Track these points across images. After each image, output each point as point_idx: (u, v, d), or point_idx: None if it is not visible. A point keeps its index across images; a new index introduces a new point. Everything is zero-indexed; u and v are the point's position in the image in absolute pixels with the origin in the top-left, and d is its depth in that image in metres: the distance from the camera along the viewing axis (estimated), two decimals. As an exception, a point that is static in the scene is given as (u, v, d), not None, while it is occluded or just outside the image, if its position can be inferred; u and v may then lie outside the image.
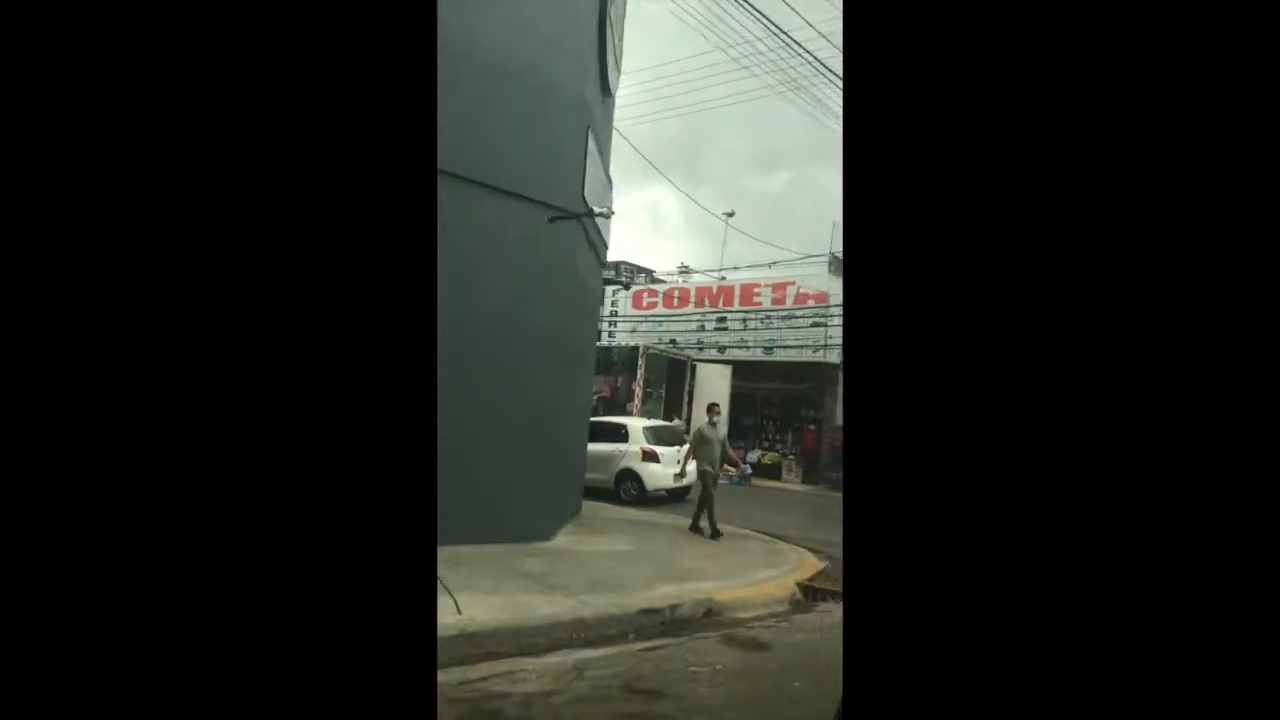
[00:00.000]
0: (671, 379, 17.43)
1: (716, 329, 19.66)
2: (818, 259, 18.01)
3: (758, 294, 19.14)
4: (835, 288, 18.18)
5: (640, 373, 16.72)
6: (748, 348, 19.08)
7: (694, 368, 18.07)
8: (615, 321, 21.52)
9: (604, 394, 17.37)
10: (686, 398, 17.87)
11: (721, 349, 19.45)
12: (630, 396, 16.70)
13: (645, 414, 16.49)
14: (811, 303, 18.11)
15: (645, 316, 20.95)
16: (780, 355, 18.60)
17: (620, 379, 17.21)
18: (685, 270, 23.46)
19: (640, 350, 16.98)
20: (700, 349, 19.73)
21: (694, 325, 19.95)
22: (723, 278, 20.31)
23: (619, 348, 18.08)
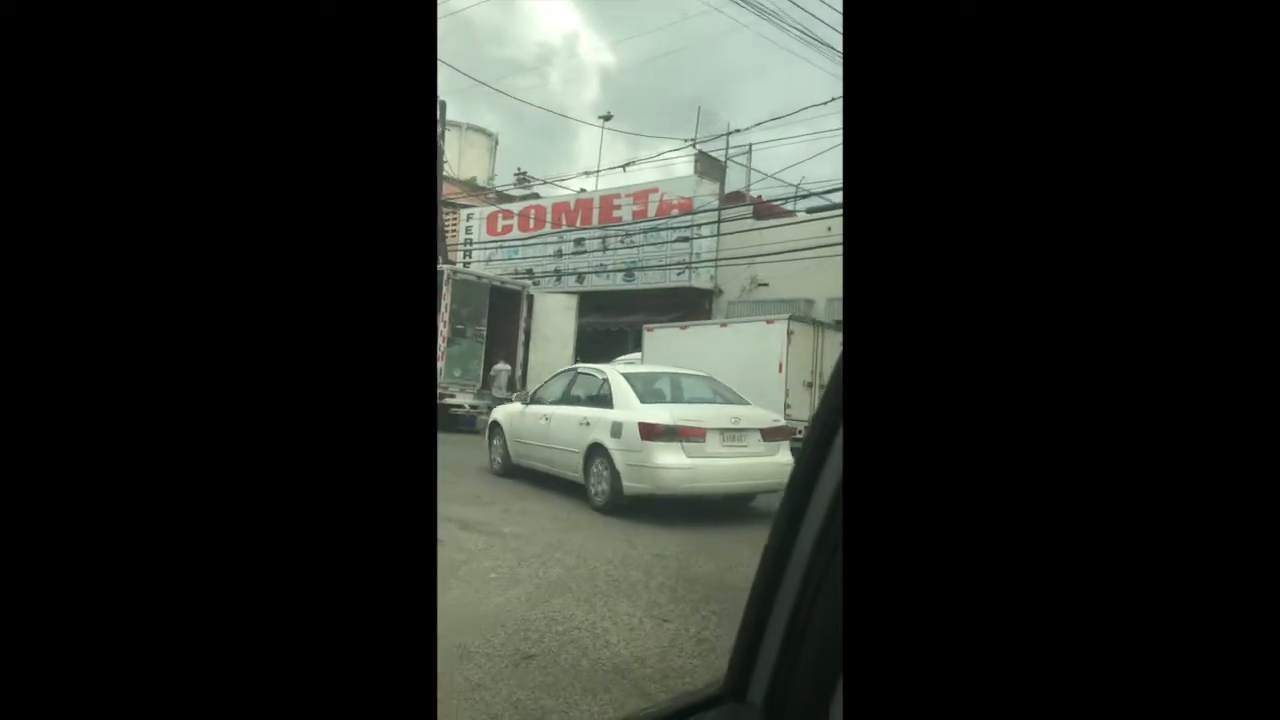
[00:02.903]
0: (499, 313, 13.85)
1: (575, 252, 16.05)
2: (678, 150, 14.24)
3: (618, 207, 15.46)
4: (703, 191, 14.45)
5: (445, 304, 13.14)
6: (608, 272, 15.46)
7: (531, 299, 14.46)
8: (470, 250, 17.92)
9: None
10: (523, 337, 14.32)
11: (580, 277, 15.85)
12: (437, 335, 13.18)
13: (453, 358, 13.00)
14: (676, 213, 14.42)
15: (501, 242, 17.33)
16: (642, 280, 14.97)
17: (424, 313, 13.67)
18: (522, 177, 19.57)
19: (445, 276, 13.34)
20: (558, 278, 16.14)
21: (551, 250, 16.32)
22: (581, 190, 16.58)
23: (423, 274, 14.43)
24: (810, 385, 10.17)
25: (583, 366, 8.06)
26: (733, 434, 6.19)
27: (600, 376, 7.02)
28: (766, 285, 13.91)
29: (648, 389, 6.70)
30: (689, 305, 14.57)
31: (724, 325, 11.16)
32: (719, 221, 14.23)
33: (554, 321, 14.43)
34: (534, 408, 7.62)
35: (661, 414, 6.12)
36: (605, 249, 15.38)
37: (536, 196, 18.34)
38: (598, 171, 16.74)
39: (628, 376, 6.84)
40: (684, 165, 15.09)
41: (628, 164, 13.91)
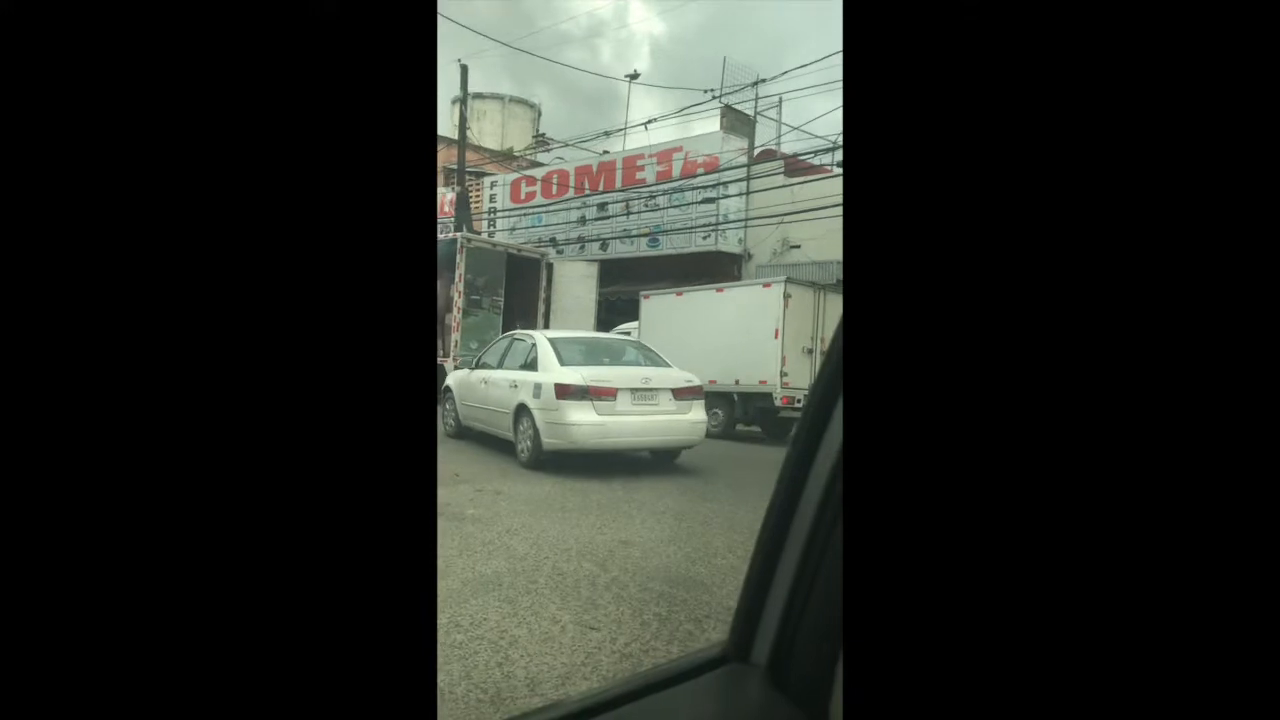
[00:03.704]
0: (517, 283, 13.28)
1: (599, 218, 15.30)
2: (702, 105, 13.29)
3: (641, 168, 14.63)
4: (730, 148, 13.55)
5: (459, 273, 12.63)
6: (632, 238, 14.70)
7: (550, 268, 13.84)
8: (494, 218, 17.33)
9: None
10: (543, 307, 13.75)
11: (604, 243, 15.14)
12: (451, 306, 12.68)
13: (468, 330, 12.54)
14: (701, 172, 13.54)
15: (524, 209, 16.70)
16: (667, 245, 14.16)
17: (438, 283, 13.14)
18: (541, 140, 18.76)
19: (459, 244, 12.78)
20: (581, 246, 15.47)
21: (575, 216, 15.61)
22: (604, 152, 15.77)
23: (438, 242, 13.81)
24: (810, 351, 9.41)
25: (518, 333, 8.36)
26: (643, 393, 6.64)
27: (530, 342, 7.44)
28: (798, 247, 13.00)
29: (570, 353, 7.05)
30: (716, 270, 13.74)
31: (720, 290, 10.50)
32: (748, 179, 13.32)
33: (574, 291, 13.82)
34: (477, 372, 8.04)
35: (574, 375, 6.53)
36: (628, 213, 14.61)
37: (562, 160, 17.62)
38: (624, 130, 15.98)
39: (553, 341, 7.19)
40: (713, 122, 14.22)
41: (649, 121, 13.06)
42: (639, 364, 7.24)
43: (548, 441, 6.49)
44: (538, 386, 6.65)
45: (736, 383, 9.63)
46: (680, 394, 6.80)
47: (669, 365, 7.35)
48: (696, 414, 6.93)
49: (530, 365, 7.06)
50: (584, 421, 6.36)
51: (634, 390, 6.59)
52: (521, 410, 6.82)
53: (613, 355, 7.41)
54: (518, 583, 3.52)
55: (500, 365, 7.70)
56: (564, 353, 6.99)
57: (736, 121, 13.59)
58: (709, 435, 10.06)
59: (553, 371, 6.68)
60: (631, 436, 6.66)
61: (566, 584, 3.52)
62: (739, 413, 9.87)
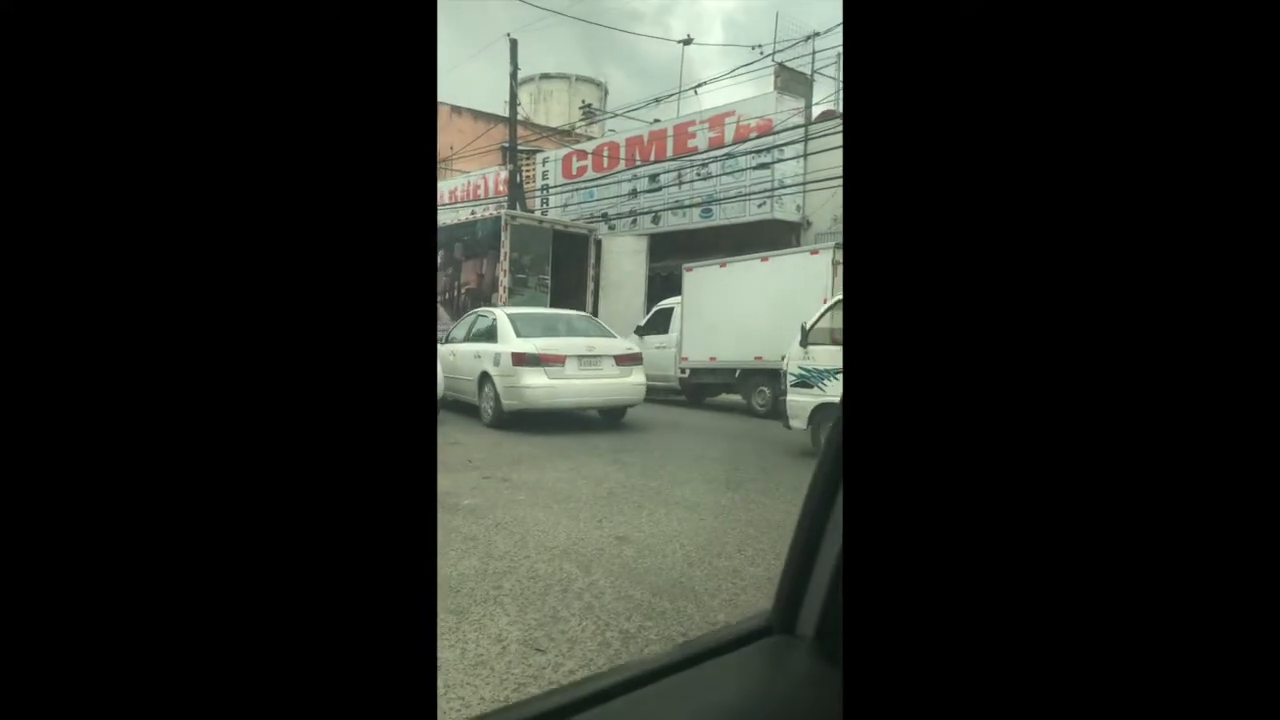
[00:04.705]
0: (565, 260, 12.87)
1: (651, 190, 14.67)
2: (755, 68, 12.47)
3: (693, 135, 13.90)
4: (784, 109, 12.70)
5: (504, 251, 12.28)
6: (684, 209, 14.03)
7: (599, 244, 13.34)
8: (547, 196, 16.92)
9: (470, 285, 13.11)
10: (592, 284, 13.30)
11: (655, 216, 14.52)
12: (496, 285, 12.35)
13: (516, 305, 12.24)
14: (754, 135, 12.73)
15: (577, 185, 16.21)
16: (720, 215, 13.44)
17: (484, 262, 12.82)
18: (587, 110, 18.11)
19: (503, 221, 12.42)
20: (633, 220, 14.90)
21: (626, 189, 15.03)
22: (655, 121, 15.07)
23: (482, 221, 13.42)
24: None
25: (481, 310, 9.31)
26: (588, 359, 7.70)
27: (491, 317, 8.43)
28: (860, 212, 12.12)
29: (527, 326, 7.97)
30: (774, 240, 12.94)
31: (765, 260, 9.77)
32: (805, 140, 12.47)
33: (624, 266, 13.30)
34: (448, 346, 8.95)
35: (528, 345, 7.54)
36: (680, 183, 13.95)
37: (614, 133, 17.01)
38: (678, 95, 15.32)
39: (511, 316, 8.17)
40: (769, 82, 13.40)
41: (698, 85, 12.43)
42: (587, 335, 8.20)
43: (506, 403, 7.53)
44: (497, 355, 7.66)
45: (784, 358, 8.98)
46: (621, 360, 7.86)
47: (614, 336, 8.46)
48: (636, 377, 7.94)
49: (491, 337, 8.01)
50: (536, 385, 7.36)
51: (580, 357, 7.60)
52: (484, 377, 7.85)
53: (564, 327, 8.31)
54: (479, 589, 3.08)
55: (467, 339, 8.64)
56: (520, 326, 7.91)
57: (791, 80, 12.76)
58: (757, 415, 9.63)
59: (510, 342, 7.64)
60: (578, 397, 7.67)
61: (535, 590, 3.06)
62: (787, 390, 9.22)
